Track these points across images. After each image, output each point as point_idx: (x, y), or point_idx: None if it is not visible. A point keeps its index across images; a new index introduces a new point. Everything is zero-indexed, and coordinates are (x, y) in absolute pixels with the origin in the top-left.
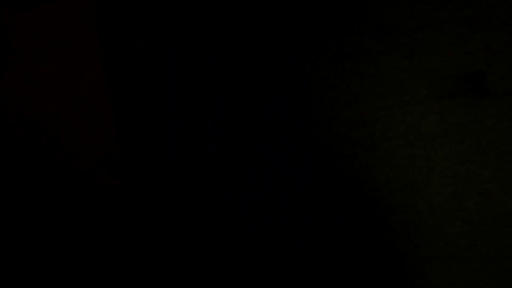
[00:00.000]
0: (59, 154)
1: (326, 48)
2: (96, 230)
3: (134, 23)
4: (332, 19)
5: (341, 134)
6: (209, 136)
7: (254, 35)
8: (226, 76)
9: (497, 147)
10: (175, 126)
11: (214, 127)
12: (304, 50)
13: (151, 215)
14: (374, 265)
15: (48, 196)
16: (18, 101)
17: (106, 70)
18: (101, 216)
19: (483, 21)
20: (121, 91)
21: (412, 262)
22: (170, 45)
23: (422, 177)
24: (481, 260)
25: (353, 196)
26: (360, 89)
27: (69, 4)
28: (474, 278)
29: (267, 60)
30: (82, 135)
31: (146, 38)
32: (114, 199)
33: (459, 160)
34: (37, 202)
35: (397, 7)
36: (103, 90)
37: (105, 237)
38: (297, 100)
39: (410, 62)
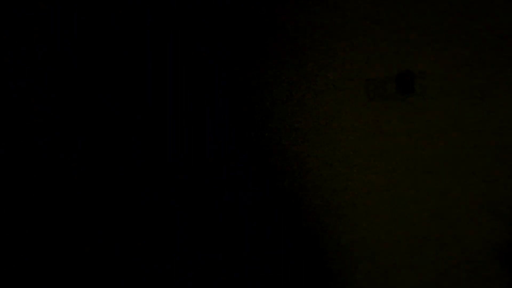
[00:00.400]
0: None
1: (257, 52)
2: (96, 230)
3: (135, 23)
4: (262, 21)
5: (271, 139)
6: (209, 136)
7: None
8: (226, 76)
9: (426, 146)
10: (175, 126)
11: (214, 127)
12: (238, 55)
13: (151, 215)
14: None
15: (48, 196)
16: None
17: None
18: (101, 216)
19: (412, 22)
20: (121, 91)
21: (339, 261)
22: (171, 45)
23: (353, 177)
24: (406, 257)
25: (284, 199)
26: (291, 92)
27: None
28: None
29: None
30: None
31: (146, 38)
32: (114, 199)
33: (390, 160)
34: (37, 202)
35: (327, 9)
36: None
37: (105, 237)
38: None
39: (340, 63)
